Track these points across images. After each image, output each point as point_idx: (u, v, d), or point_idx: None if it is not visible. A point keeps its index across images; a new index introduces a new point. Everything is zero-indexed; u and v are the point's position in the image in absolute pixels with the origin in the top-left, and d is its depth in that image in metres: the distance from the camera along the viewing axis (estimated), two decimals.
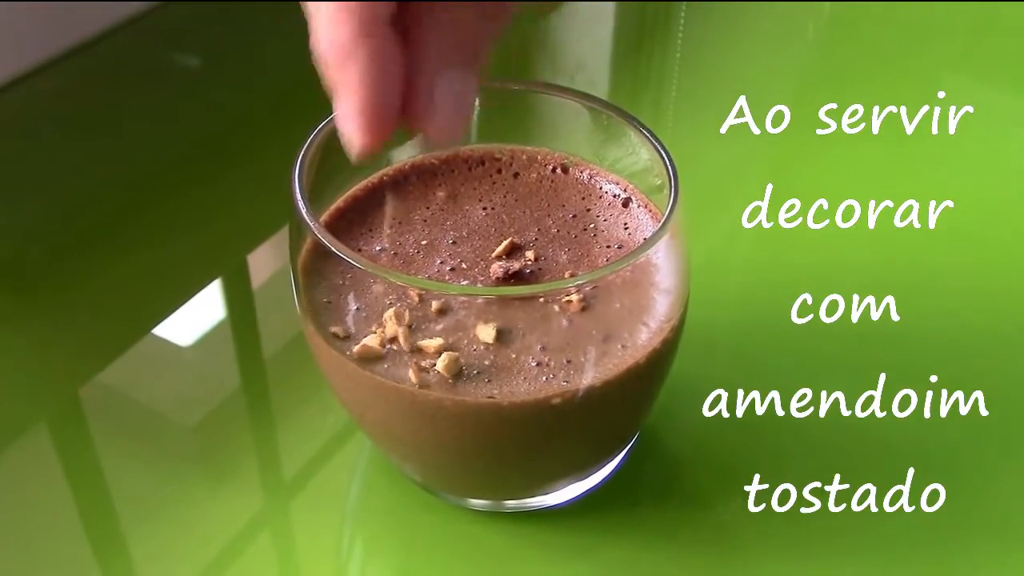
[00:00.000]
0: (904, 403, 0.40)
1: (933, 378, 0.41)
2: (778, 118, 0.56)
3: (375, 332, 0.31)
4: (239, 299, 0.45)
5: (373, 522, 0.37)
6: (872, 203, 0.49)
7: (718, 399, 0.40)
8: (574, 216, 0.35)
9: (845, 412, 0.39)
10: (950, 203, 0.49)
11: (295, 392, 0.40)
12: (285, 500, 0.37)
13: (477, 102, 0.29)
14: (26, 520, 0.36)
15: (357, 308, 0.31)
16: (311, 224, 0.30)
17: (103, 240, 0.47)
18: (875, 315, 0.43)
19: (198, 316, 0.44)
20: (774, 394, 0.40)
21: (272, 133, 0.52)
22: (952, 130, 0.55)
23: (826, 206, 0.49)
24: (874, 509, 0.36)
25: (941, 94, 0.59)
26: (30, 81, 0.54)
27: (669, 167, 0.32)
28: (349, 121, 0.25)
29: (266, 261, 0.47)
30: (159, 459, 0.39)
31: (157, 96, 0.55)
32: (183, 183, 0.50)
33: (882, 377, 0.41)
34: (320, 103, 0.34)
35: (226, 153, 0.52)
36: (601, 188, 0.36)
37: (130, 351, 0.42)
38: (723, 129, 0.54)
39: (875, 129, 0.54)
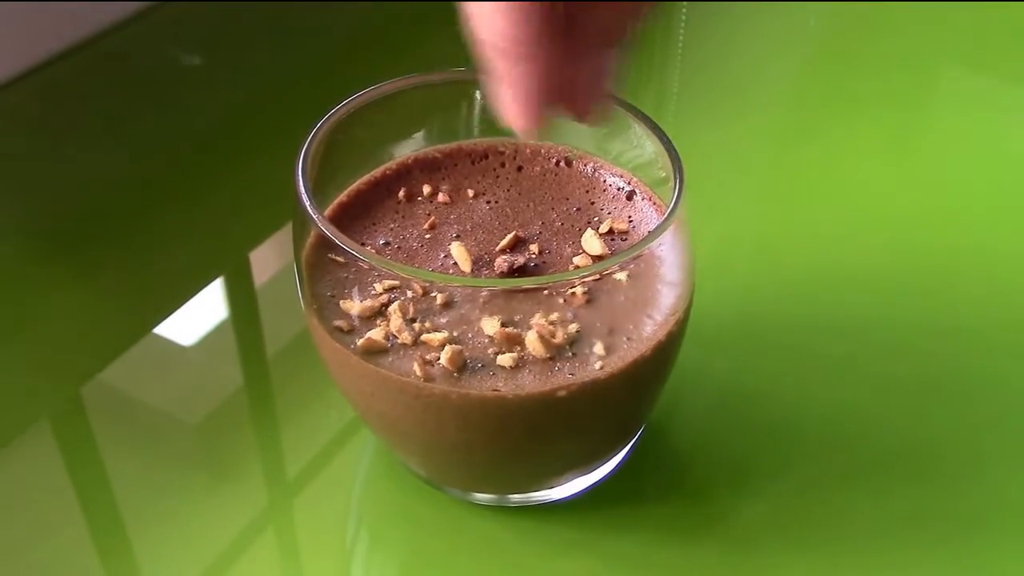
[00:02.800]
0: (904, 403, 0.40)
1: (934, 378, 0.40)
2: (778, 117, 0.56)
3: (379, 325, 0.31)
4: (242, 297, 0.45)
5: (377, 518, 0.37)
6: (872, 201, 0.49)
7: (723, 394, 0.40)
8: (578, 209, 0.35)
9: (849, 409, 0.39)
10: (950, 202, 0.49)
11: (298, 389, 0.40)
12: (289, 497, 0.37)
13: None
14: (28, 519, 0.36)
15: (361, 301, 0.31)
16: (315, 217, 0.30)
17: (104, 238, 0.47)
18: (875, 314, 0.43)
19: (201, 314, 0.44)
20: (777, 390, 0.40)
21: (274, 131, 0.52)
22: (952, 130, 0.55)
23: (828, 202, 0.49)
24: (874, 509, 0.36)
25: (941, 93, 0.59)
26: (31, 79, 0.54)
27: (673, 159, 0.32)
28: (512, 109, 0.26)
29: (268, 259, 0.47)
30: (162, 458, 0.39)
31: (158, 94, 0.55)
32: (185, 181, 0.50)
33: (883, 377, 0.41)
34: (321, 100, 0.34)
35: (228, 151, 0.52)
36: (605, 181, 0.35)
37: (132, 350, 0.42)
38: (723, 127, 0.54)
39: (875, 128, 0.54)
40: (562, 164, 0.36)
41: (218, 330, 0.43)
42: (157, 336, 0.43)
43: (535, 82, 0.25)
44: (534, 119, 0.26)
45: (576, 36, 0.26)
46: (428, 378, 0.30)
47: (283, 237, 0.47)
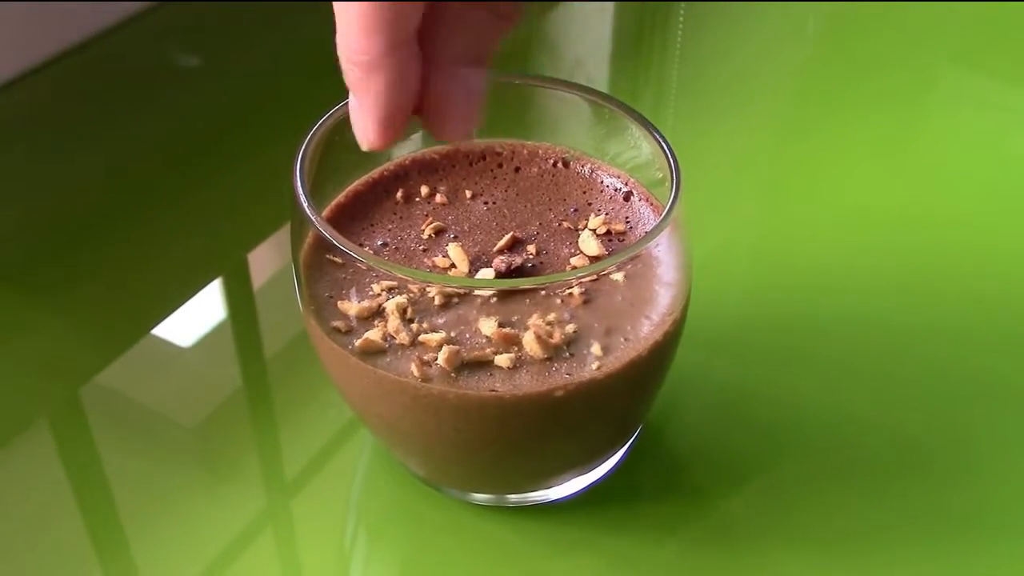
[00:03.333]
0: (901, 403, 0.40)
1: (930, 378, 0.41)
2: (777, 117, 0.56)
3: (377, 326, 0.31)
4: (240, 298, 0.45)
5: (376, 518, 0.37)
6: (872, 201, 0.50)
7: (721, 395, 0.40)
8: (575, 210, 0.35)
9: (846, 410, 0.39)
10: (948, 202, 0.49)
11: (296, 390, 0.40)
12: (287, 498, 0.37)
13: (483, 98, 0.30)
14: (26, 521, 0.36)
15: (359, 302, 0.31)
16: (313, 218, 0.30)
17: (103, 239, 0.47)
18: (873, 315, 0.43)
19: (199, 315, 0.44)
20: (774, 391, 0.40)
21: (272, 132, 0.52)
22: (952, 130, 0.55)
23: (826, 203, 0.49)
24: (871, 508, 0.36)
25: (940, 93, 0.59)
26: (30, 80, 0.54)
27: (671, 160, 0.32)
28: (366, 122, 0.27)
29: (267, 260, 0.47)
30: (160, 458, 0.39)
31: (157, 95, 0.55)
32: (183, 182, 0.50)
33: (879, 377, 0.41)
34: (319, 101, 0.34)
35: (226, 152, 0.52)
36: (602, 182, 0.36)
37: (130, 351, 0.42)
38: (721, 128, 0.54)
39: (874, 128, 0.54)
40: (559, 165, 0.36)
41: (216, 331, 0.44)
42: (156, 337, 0.43)
43: (386, 93, 0.26)
44: (385, 133, 0.27)
45: (436, 53, 0.26)
46: (426, 378, 0.30)
47: (281, 238, 0.47)
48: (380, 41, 0.25)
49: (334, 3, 0.25)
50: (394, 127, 0.27)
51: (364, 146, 0.27)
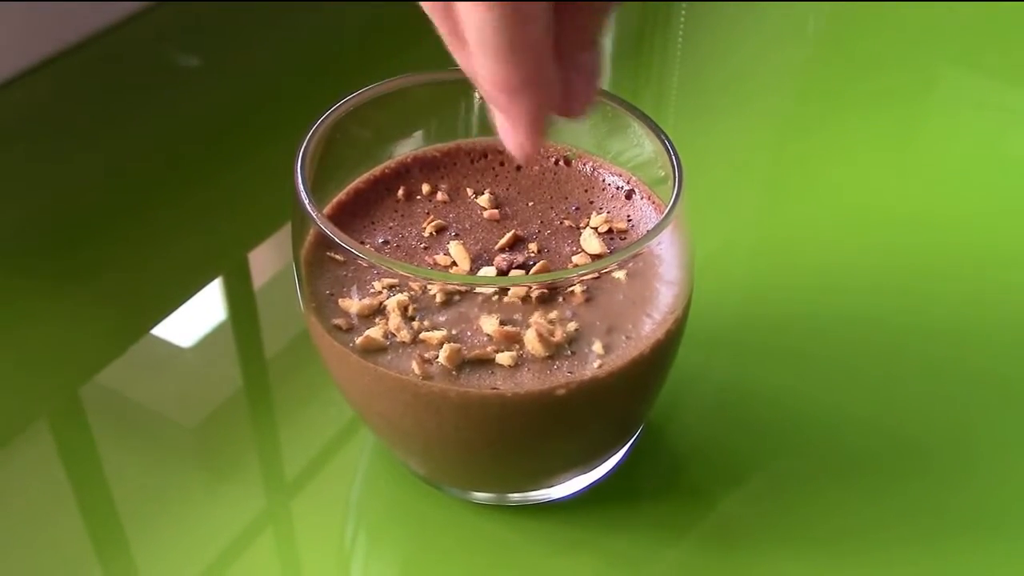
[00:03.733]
0: (900, 403, 0.40)
1: (929, 378, 0.40)
2: (778, 116, 0.56)
3: (378, 324, 0.31)
4: (240, 298, 0.45)
5: (376, 517, 0.37)
6: (872, 200, 0.50)
7: (721, 395, 0.40)
8: (577, 208, 0.35)
9: (846, 410, 0.39)
10: (948, 203, 0.49)
11: (297, 389, 0.40)
12: (288, 497, 0.37)
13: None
14: (26, 521, 0.36)
15: (360, 300, 0.31)
16: (314, 215, 0.30)
17: (103, 239, 0.47)
18: (873, 315, 0.43)
19: (199, 315, 0.44)
20: (774, 391, 0.40)
21: (272, 132, 0.52)
22: (951, 130, 0.55)
23: (826, 203, 0.49)
24: (871, 507, 0.36)
25: (940, 93, 0.59)
26: (30, 80, 0.54)
27: (673, 158, 0.32)
28: (520, 137, 0.27)
29: (267, 259, 0.47)
30: (161, 459, 0.39)
31: (157, 95, 0.55)
32: (183, 182, 0.50)
33: (879, 376, 0.41)
34: (319, 101, 0.34)
35: (226, 152, 0.52)
36: (604, 180, 0.36)
37: (131, 351, 0.42)
38: (722, 127, 0.54)
39: (874, 128, 0.54)
40: (561, 163, 0.36)
41: (216, 331, 0.43)
42: (155, 337, 0.43)
43: (537, 111, 0.27)
44: (538, 142, 0.27)
45: (558, 44, 0.27)
46: (427, 376, 0.30)
47: (282, 237, 0.47)
48: (523, 67, 0.25)
49: (470, 35, 0.26)
50: (543, 132, 0.28)
51: (521, 158, 0.28)
